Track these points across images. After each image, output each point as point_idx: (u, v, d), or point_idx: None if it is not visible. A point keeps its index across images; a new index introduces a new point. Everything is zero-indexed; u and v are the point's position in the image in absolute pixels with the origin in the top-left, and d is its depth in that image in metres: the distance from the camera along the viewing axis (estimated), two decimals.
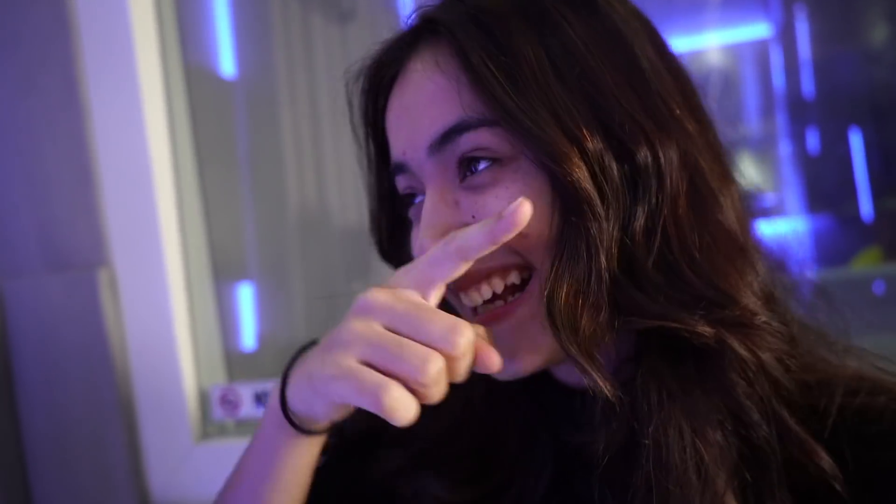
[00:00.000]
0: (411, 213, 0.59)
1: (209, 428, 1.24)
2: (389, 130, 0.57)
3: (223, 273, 1.31)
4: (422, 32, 0.56)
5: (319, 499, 0.63)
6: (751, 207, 0.58)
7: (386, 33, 0.59)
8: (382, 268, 0.65)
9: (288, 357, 0.58)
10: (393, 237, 0.64)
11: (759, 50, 1.38)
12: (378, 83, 0.59)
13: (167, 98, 1.22)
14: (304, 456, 0.58)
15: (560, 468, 0.60)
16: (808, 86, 1.34)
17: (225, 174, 1.34)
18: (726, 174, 0.56)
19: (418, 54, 0.55)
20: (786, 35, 1.38)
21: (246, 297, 1.35)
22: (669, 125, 0.51)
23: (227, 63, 1.34)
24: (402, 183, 0.58)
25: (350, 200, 1.39)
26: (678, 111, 0.53)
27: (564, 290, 0.49)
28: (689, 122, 0.53)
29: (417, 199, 0.57)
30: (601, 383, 0.49)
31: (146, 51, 1.19)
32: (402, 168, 0.56)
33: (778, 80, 1.34)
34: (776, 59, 1.34)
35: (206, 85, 1.31)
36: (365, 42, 0.61)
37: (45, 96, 1.18)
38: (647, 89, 0.52)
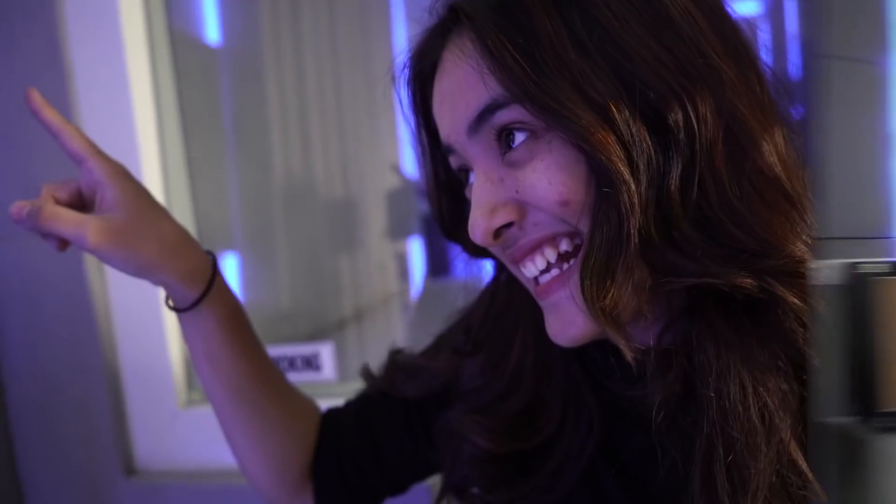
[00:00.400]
0: (467, 192, 0.61)
1: (194, 395, 1.25)
2: (436, 116, 0.60)
3: (208, 242, 1.31)
4: (448, 21, 0.58)
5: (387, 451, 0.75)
6: (800, 151, 0.56)
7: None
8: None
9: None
10: (454, 218, 0.67)
11: (748, 28, 1.38)
12: (420, 73, 0.62)
13: (152, 64, 1.21)
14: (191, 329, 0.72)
15: (610, 427, 0.63)
16: (795, 64, 1.34)
17: (210, 144, 1.34)
18: (768, 117, 0.53)
19: (449, 42, 0.57)
20: (774, 13, 1.37)
21: (231, 266, 1.36)
22: (704, 77, 0.50)
23: (212, 30, 1.33)
24: (454, 163, 0.61)
25: (335, 171, 1.39)
26: (715, 58, 0.51)
27: (595, 255, 0.50)
28: (727, 67, 0.52)
29: (472, 179, 0.59)
30: (624, 348, 0.51)
31: (131, 15, 1.17)
32: (450, 150, 0.59)
33: (766, 57, 1.34)
34: (764, 37, 1.34)
35: (191, 52, 1.30)
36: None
37: (28, 57, 1.17)
38: (680, 41, 0.51)
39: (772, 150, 0.52)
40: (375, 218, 1.42)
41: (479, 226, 0.54)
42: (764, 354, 0.52)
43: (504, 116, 0.53)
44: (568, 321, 0.54)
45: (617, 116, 0.49)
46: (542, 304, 0.57)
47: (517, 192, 0.54)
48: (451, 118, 0.57)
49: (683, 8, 0.52)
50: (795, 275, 0.50)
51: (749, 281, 0.49)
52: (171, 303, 0.70)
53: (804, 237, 0.51)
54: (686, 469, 0.54)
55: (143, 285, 0.71)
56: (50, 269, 1.19)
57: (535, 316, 0.62)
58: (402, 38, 1.31)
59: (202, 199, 1.30)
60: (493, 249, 0.59)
